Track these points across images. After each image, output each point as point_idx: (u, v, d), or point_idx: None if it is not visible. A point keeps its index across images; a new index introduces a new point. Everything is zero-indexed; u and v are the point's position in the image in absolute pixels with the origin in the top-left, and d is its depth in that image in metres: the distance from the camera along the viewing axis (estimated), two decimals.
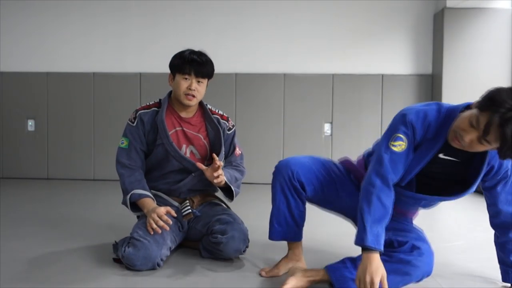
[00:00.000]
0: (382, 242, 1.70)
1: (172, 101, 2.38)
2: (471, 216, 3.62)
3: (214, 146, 2.37)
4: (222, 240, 2.17)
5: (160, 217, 2.11)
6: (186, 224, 2.33)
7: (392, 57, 4.96)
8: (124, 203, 2.30)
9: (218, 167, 2.17)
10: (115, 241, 2.26)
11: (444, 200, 1.90)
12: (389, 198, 1.75)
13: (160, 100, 2.38)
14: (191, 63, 2.25)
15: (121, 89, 5.06)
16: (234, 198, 2.38)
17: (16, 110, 5.13)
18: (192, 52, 2.31)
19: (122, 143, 2.33)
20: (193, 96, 2.27)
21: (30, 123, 5.15)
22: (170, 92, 2.40)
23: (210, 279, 2.02)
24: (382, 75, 4.93)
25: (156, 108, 2.33)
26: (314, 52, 4.99)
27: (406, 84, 4.93)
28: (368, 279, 1.63)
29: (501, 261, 1.99)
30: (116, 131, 5.10)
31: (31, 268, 2.12)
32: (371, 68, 4.91)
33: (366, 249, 1.68)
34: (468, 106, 1.71)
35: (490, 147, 1.62)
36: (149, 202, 2.23)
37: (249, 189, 4.41)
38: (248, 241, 2.26)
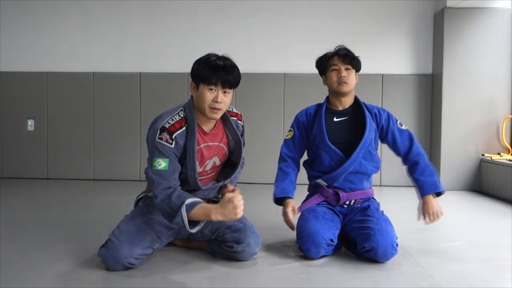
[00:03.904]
0: (289, 192, 2.40)
1: (195, 111, 2.16)
2: (471, 216, 3.62)
3: (232, 153, 2.31)
4: (238, 249, 2.18)
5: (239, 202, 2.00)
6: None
7: (392, 57, 4.96)
8: (178, 221, 1.99)
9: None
10: None
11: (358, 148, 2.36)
12: (288, 168, 2.49)
13: (183, 111, 2.15)
14: (217, 72, 2.03)
15: (121, 89, 5.06)
16: None
17: (16, 110, 5.14)
18: (217, 58, 2.09)
19: (160, 164, 2.04)
20: (219, 109, 2.09)
21: (30, 123, 5.15)
22: (192, 99, 2.19)
23: (210, 279, 2.02)
24: (382, 75, 4.93)
25: (184, 127, 2.10)
26: (314, 52, 4.93)
27: (406, 84, 4.94)
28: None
29: (423, 182, 2.38)
30: (116, 131, 5.14)
31: (31, 268, 2.12)
32: (371, 68, 4.90)
33: (277, 199, 2.41)
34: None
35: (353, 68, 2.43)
36: (207, 205, 2.01)
37: (249, 189, 4.42)
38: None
